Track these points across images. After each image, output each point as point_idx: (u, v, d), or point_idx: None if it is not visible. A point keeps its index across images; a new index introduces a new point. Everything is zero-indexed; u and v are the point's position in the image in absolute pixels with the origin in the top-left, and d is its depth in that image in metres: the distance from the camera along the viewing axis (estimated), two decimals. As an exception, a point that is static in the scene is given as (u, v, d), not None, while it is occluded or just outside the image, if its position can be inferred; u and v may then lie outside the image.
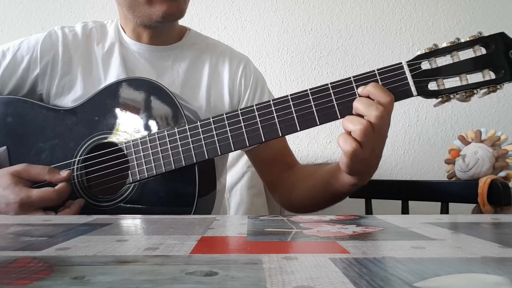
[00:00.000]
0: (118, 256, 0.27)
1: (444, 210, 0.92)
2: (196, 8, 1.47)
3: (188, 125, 0.63)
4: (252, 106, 0.61)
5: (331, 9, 1.46)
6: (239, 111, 0.62)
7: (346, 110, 0.59)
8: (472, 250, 0.29)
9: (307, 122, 0.60)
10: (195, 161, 0.62)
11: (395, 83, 0.58)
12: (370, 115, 0.55)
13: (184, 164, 0.62)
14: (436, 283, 0.21)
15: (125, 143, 0.66)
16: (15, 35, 1.47)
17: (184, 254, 0.28)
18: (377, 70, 0.59)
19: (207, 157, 0.62)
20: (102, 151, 0.67)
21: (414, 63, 0.58)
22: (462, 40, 0.58)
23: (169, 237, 0.34)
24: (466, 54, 0.58)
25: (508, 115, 1.43)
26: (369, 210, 1.03)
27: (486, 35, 0.58)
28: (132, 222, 0.46)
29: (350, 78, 0.59)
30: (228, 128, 0.62)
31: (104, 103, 0.69)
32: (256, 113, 0.61)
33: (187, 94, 0.78)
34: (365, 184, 0.65)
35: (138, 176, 0.65)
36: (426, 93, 0.58)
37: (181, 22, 0.84)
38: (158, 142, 0.64)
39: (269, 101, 0.61)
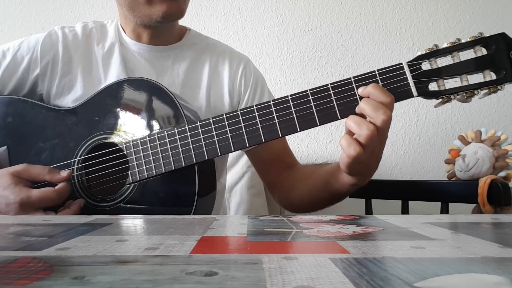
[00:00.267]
0: (118, 256, 0.27)
1: (444, 210, 0.92)
2: (196, 8, 1.47)
3: (188, 126, 0.63)
4: (252, 106, 0.61)
5: (331, 9, 1.46)
6: (239, 112, 0.62)
7: (346, 110, 0.59)
8: (472, 250, 0.29)
9: (307, 123, 0.60)
10: (195, 161, 0.62)
11: (395, 83, 0.58)
12: (377, 118, 0.55)
13: (184, 165, 0.62)
14: (436, 283, 0.21)
15: (125, 143, 0.66)
16: (15, 35, 1.47)
17: (184, 254, 0.28)
18: (377, 70, 0.59)
19: (207, 158, 0.62)
20: (102, 151, 0.67)
21: (414, 63, 0.58)
22: (463, 41, 0.58)
23: (169, 237, 0.34)
24: (467, 55, 0.58)
25: (508, 115, 1.43)
26: (369, 210, 1.03)
27: (487, 35, 0.57)
28: (132, 222, 0.46)
29: (350, 78, 0.59)
30: (228, 129, 0.62)
31: (104, 103, 0.69)
32: (256, 113, 0.61)
33: (187, 94, 0.78)
34: (365, 184, 0.65)
35: (138, 176, 0.65)
36: (426, 94, 0.58)
37: (181, 22, 0.84)
38: (158, 143, 0.64)
39: (269, 101, 0.61)
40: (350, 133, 0.58)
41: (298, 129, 0.60)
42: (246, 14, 1.48)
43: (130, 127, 0.67)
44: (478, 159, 0.91)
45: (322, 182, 0.71)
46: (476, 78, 0.58)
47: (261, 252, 0.28)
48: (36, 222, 0.46)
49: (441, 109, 1.42)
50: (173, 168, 0.63)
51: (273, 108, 0.61)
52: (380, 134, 0.56)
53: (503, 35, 0.57)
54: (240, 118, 0.61)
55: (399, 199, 0.98)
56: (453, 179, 0.98)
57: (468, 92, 0.58)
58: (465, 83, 0.58)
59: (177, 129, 0.63)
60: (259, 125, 0.61)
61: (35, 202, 0.61)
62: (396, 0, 1.45)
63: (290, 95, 0.60)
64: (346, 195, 0.71)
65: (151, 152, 0.64)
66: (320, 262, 0.25)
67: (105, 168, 0.67)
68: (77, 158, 0.68)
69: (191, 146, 0.62)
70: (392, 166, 1.44)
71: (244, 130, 0.61)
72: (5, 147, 0.71)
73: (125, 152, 0.66)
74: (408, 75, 0.58)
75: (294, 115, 0.60)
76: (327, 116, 0.59)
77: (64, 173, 0.65)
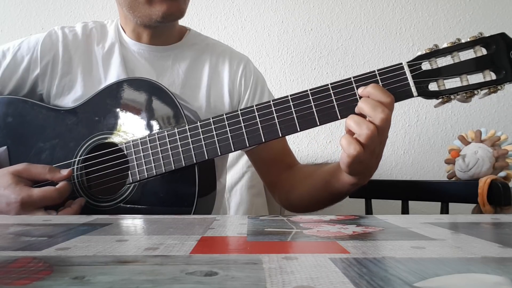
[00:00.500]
0: (118, 256, 0.27)
1: (444, 210, 0.92)
2: (196, 8, 1.47)
3: (188, 126, 0.63)
4: (252, 106, 0.61)
5: (331, 9, 1.46)
6: (239, 112, 0.62)
7: (346, 110, 0.59)
8: (472, 250, 0.29)
9: (307, 123, 0.60)
10: (195, 161, 0.62)
11: (395, 83, 0.58)
12: (376, 117, 0.55)
13: (184, 165, 0.62)
14: (436, 283, 0.21)
15: (125, 143, 0.66)
16: (15, 35, 1.47)
17: (184, 254, 0.28)
18: (377, 70, 0.59)
19: (207, 158, 0.62)
20: (102, 151, 0.67)
21: (414, 63, 0.58)
22: (463, 41, 0.58)
23: (169, 237, 0.34)
24: (467, 55, 0.58)
25: (508, 115, 1.43)
26: (369, 210, 1.03)
27: (487, 35, 0.57)
28: (132, 222, 0.46)
29: (350, 78, 0.59)
30: (228, 129, 0.62)
31: (104, 103, 0.69)
32: (256, 113, 0.61)
33: (187, 94, 0.78)
34: (365, 183, 0.65)
35: (138, 176, 0.65)
36: (426, 94, 0.58)
37: (181, 22, 0.84)
38: (158, 143, 0.64)
39: (269, 101, 0.61)
40: (350, 133, 0.58)
41: (298, 129, 0.60)
42: (246, 14, 1.48)
43: (130, 127, 0.67)
44: (478, 159, 0.91)
45: (322, 182, 0.71)
46: (476, 78, 0.58)
47: (261, 252, 0.28)
48: (36, 222, 0.46)
49: (441, 109, 1.42)
50: (173, 168, 0.63)
51: (273, 108, 0.61)
52: (380, 134, 0.56)
53: (503, 35, 0.57)
54: (240, 118, 0.61)
55: (399, 199, 0.98)
56: (453, 179, 0.98)
57: (468, 92, 0.58)
58: (465, 83, 0.58)
59: (177, 129, 0.63)
60: (259, 125, 0.61)
61: (36, 201, 0.61)
62: (396, 0, 1.45)
63: (290, 95, 0.60)
64: (346, 194, 0.71)
65: (151, 152, 0.64)
66: (320, 262, 0.25)
67: (105, 168, 0.67)
68: (77, 158, 0.68)
69: (191, 146, 0.63)
70: (392, 166, 1.44)
71: (244, 130, 0.61)
72: (5, 147, 0.71)
73: (125, 152, 0.66)
74: (408, 75, 0.58)
75: (294, 115, 0.60)
76: (327, 116, 0.59)
77: (65, 172, 0.65)
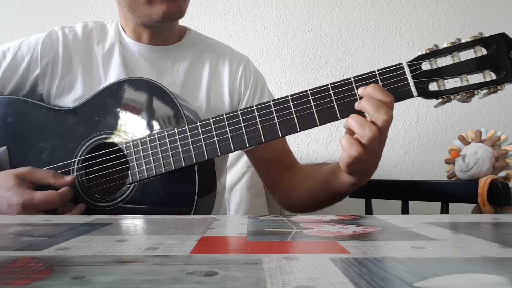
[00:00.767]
0: (118, 256, 0.27)
1: (444, 210, 0.92)
2: (196, 8, 1.47)
3: (188, 126, 0.63)
4: (252, 106, 0.61)
5: (331, 9, 1.46)
6: (239, 112, 0.62)
7: (346, 110, 0.59)
8: (472, 250, 0.29)
9: (307, 123, 0.60)
10: (195, 161, 0.62)
11: (395, 83, 0.58)
12: (379, 118, 0.54)
13: (184, 165, 0.62)
14: (436, 283, 0.21)
15: (125, 143, 0.66)
16: (15, 35, 1.47)
17: (184, 254, 0.28)
18: (377, 70, 0.59)
19: (207, 158, 0.62)
20: (102, 151, 0.67)
21: (414, 63, 0.58)
22: (463, 41, 0.58)
23: (169, 237, 0.34)
24: (467, 55, 0.58)
25: (508, 115, 1.43)
26: (369, 210, 1.03)
27: (487, 35, 0.57)
28: (132, 222, 0.46)
29: (350, 78, 0.59)
30: (228, 129, 0.62)
31: (104, 103, 0.69)
32: (256, 113, 0.61)
33: (187, 94, 0.78)
34: (364, 183, 0.65)
35: (138, 176, 0.65)
36: (426, 94, 0.58)
37: (181, 22, 0.84)
38: (158, 143, 0.64)
39: (269, 101, 0.61)
40: (350, 132, 0.58)
41: (298, 129, 0.60)
42: (246, 14, 1.48)
43: (130, 127, 0.67)
44: (478, 159, 0.91)
45: (322, 182, 0.71)
46: (476, 78, 0.58)
47: (261, 252, 0.28)
48: (36, 222, 0.46)
49: (441, 109, 1.42)
50: (173, 168, 0.63)
51: (273, 108, 0.61)
52: (380, 134, 0.56)
53: (503, 35, 0.57)
54: (240, 118, 0.61)
55: (399, 199, 0.98)
56: (453, 179, 0.98)
57: (468, 92, 0.58)
58: (465, 83, 0.58)
59: (177, 129, 0.63)
60: (259, 125, 0.61)
61: (37, 204, 0.61)
62: (396, 0, 1.45)
63: (290, 95, 0.60)
64: (346, 194, 0.71)
65: (151, 152, 0.64)
66: (320, 262, 0.25)
67: (105, 168, 0.67)
68: (77, 158, 0.68)
69: (191, 146, 0.62)
70: (392, 166, 1.44)
71: (244, 130, 0.61)
72: (5, 147, 0.71)
73: (125, 152, 0.66)
74: (408, 75, 0.58)
75: (294, 115, 0.60)
76: (327, 116, 0.59)
77: (69, 178, 0.65)
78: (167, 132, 0.64)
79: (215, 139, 0.62)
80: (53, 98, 0.77)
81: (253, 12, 1.47)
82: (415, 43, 1.44)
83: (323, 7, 1.47)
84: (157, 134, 0.64)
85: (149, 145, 0.64)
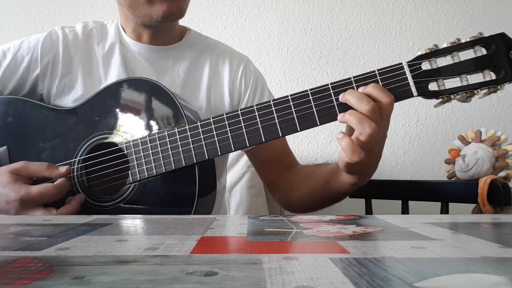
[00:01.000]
0: (118, 256, 0.27)
1: (444, 210, 0.92)
2: (196, 8, 1.47)
3: (188, 125, 0.63)
4: (252, 106, 0.61)
5: (331, 9, 1.46)
6: (239, 111, 0.62)
7: (347, 110, 0.59)
8: (472, 250, 0.29)
9: (307, 123, 0.60)
10: (195, 161, 0.62)
11: (395, 83, 0.58)
12: (364, 131, 0.54)
13: (184, 164, 0.62)
14: (436, 283, 0.21)
15: (125, 143, 0.66)
16: (15, 35, 1.47)
17: (184, 254, 0.28)
18: (377, 70, 0.59)
19: (207, 157, 0.62)
20: (102, 151, 0.67)
21: (414, 63, 0.58)
22: (463, 41, 0.58)
23: (169, 237, 0.34)
24: (467, 55, 0.58)
25: (508, 115, 1.43)
26: (369, 210, 1.03)
27: (487, 35, 0.57)
28: (132, 222, 0.46)
29: (350, 78, 0.59)
30: (228, 128, 0.62)
31: (104, 103, 0.69)
32: (256, 113, 0.61)
33: (187, 94, 0.79)
34: (364, 183, 0.65)
35: (138, 176, 0.65)
36: (426, 94, 0.58)
37: (181, 22, 0.84)
38: (158, 142, 0.64)
39: (269, 101, 0.61)
40: (349, 129, 0.57)
41: (298, 129, 0.60)
42: (246, 14, 1.48)
43: (130, 127, 0.67)
44: (478, 159, 0.91)
45: (322, 182, 0.71)
46: (476, 78, 0.58)
47: (261, 252, 0.28)
48: (36, 222, 0.46)
49: (441, 109, 1.42)
50: (174, 168, 0.63)
51: (273, 108, 0.61)
52: (380, 131, 0.56)
53: (502, 35, 0.57)
54: (241, 118, 0.61)
55: (399, 199, 0.98)
56: (453, 179, 0.98)
57: (468, 92, 0.58)
58: (465, 83, 0.58)
59: (177, 129, 0.63)
60: (260, 125, 0.61)
61: (35, 198, 0.61)
62: (396, 0, 1.45)
63: (290, 95, 0.60)
64: (346, 195, 0.71)
65: (151, 152, 0.64)
66: (320, 262, 0.25)
67: (105, 168, 0.67)
68: (77, 158, 0.68)
69: (191, 146, 0.63)
70: (392, 166, 1.44)
71: (244, 130, 0.61)
72: (5, 147, 0.71)
73: (125, 152, 0.66)
74: (408, 75, 0.58)
75: (295, 115, 0.60)
76: (327, 116, 0.59)
77: (63, 168, 0.65)
78: (167, 132, 0.64)
79: (216, 139, 0.62)
80: (53, 98, 0.77)
81: (253, 12, 1.47)
82: (415, 43, 1.44)
83: (323, 7, 1.47)
84: (158, 134, 0.64)
85: (149, 145, 0.64)
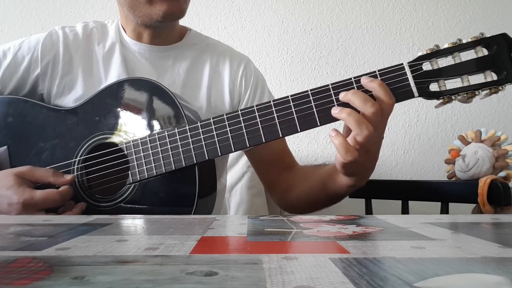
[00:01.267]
0: (118, 256, 0.27)
1: (444, 210, 0.92)
2: (196, 8, 1.47)
3: (188, 126, 0.63)
4: (253, 106, 0.61)
5: (331, 9, 1.46)
6: (240, 112, 0.62)
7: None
8: (472, 250, 0.29)
9: (307, 123, 0.60)
10: (195, 161, 0.62)
11: (396, 84, 0.58)
12: (361, 133, 0.55)
13: (184, 165, 0.62)
14: (436, 283, 0.21)
15: (125, 143, 0.66)
16: (15, 35, 1.47)
17: (184, 254, 0.28)
18: (378, 70, 0.59)
19: (207, 158, 0.62)
20: (102, 151, 0.67)
21: (415, 64, 0.58)
22: (464, 41, 0.58)
23: (169, 237, 0.34)
24: (468, 55, 0.58)
25: (508, 115, 1.43)
26: (369, 210, 1.03)
27: (488, 36, 0.57)
28: (132, 222, 0.46)
29: (351, 79, 0.59)
30: (228, 129, 0.62)
31: (104, 103, 0.69)
32: (257, 113, 0.61)
33: (188, 94, 0.79)
34: (362, 185, 0.65)
35: (138, 176, 0.65)
36: (427, 94, 0.58)
37: (181, 22, 0.84)
38: (158, 143, 0.64)
39: (270, 101, 0.61)
40: (347, 130, 0.57)
41: (299, 130, 0.60)
42: (246, 14, 1.48)
43: (131, 127, 0.67)
44: (478, 159, 0.91)
45: (320, 183, 0.71)
46: (477, 79, 0.58)
47: (261, 252, 0.28)
48: (36, 222, 0.46)
49: (441, 109, 1.42)
50: (174, 168, 0.63)
51: (273, 109, 0.60)
52: (376, 131, 0.56)
53: (504, 36, 0.57)
54: (241, 118, 0.61)
55: (399, 199, 0.98)
56: (453, 179, 0.98)
57: (469, 92, 0.58)
58: (466, 84, 0.58)
59: (177, 129, 0.63)
60: (260, 125, 0.61)
61: (38, 203, 0.61)
62: (396, 0, 1.45)
63: (291, 95, 0.60)
64: (344, 196, 0.71)
65: (152, 152, 0.64)
66: (320, 262, 0.25)
67: (106, 168, 0.67)
68: (78, 158, 0.68)
69: (191, 146, 0.62)
70: (392, 166, 1.43)
71: (244, 130, 0.61)
72: (6, 147, 0.71)
73: (125, 152, 0.66)
74: (409, 76, 0.58)
75: (295, 115, 0.60)
76: (328, 117, 0.59)
77: (68, 176, 0.65)
78: (167, 132, 0.64)
79: (216, 139, 0.62)
80: (53, 98, 0.77)
81: (253, 12, 1.47)
82: (415, 43, 1.44)
83: (323, 7, 1.47)
84: (158, 134, 0.64)
85: (149, 145, 0.64)
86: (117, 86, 0.69)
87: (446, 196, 0.92)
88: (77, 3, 1.50)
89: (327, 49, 1.46)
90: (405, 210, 0.97)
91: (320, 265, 0.25)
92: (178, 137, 0.63)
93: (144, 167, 0.64)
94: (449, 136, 1.42)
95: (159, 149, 0.64)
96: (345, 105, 0.58)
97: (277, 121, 0.60)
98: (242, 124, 0.61)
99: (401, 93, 0.58)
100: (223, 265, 0.25)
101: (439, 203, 0.93)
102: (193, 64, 0.82)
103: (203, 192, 0.65)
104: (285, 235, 0.36)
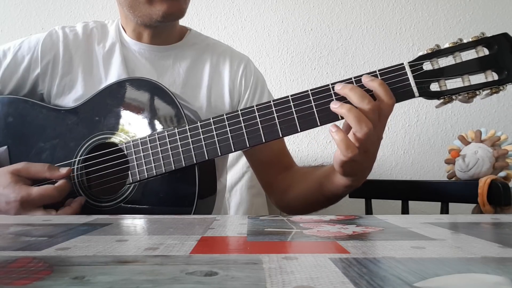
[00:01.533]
0: (118, 256, 0.27)
1: (444, 210, 0.92)
2: (196, 8, 1.47)
3: (188, 126, 0.63)
4: (253, 106, 0.61)
5: (331, 9, 1.46)
6: (240, 112, 0.62)
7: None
8: (472, 250, 0.29)
9: (307, 123, 0.60)
10: (195, 161, 0.62)
11: (396, 84, 0.58)
12: (360, 130, 0.55)
13: (184, 165, 0.62)
14: (436, 283, 0.21)
15: (125, 143, 0.66)
16: (15, 35, 1.47)
17: (184, 254, 0.28)
18: (379, 70, 0.59)
19: (207, 158, 0.62)
20: (102, 151, 0.67)
21: (415, 63, 0.58)
22: (465, 41, 0.57)
23: (169, 237, 0.34)
24: (469, 55, 0.58)
25: (508, 115, 1.43)
26: (369, 210, 1.03)
27: (489, 35, 0.57)
28: (132, 222, 0.46)
29: (351, 78, 0.59)
30: (228, 129, 0.62)
31: (104, 103, 0.69)
32: (257, 113, 0.61)
33: (188, 94, 0.78)
34: (359, 186, 0.65)
35: (138, 176, 0.65)
36: (428, 94, 0.58)
37: (181, 22, 0.84)
38: (158, 143, 0.64)
39: (270, 101, 0.61)
40: (347, 127, 0.57)
41: (299, 130, 0.60)
42: (246, 14, 1.48)
43: (131, 127, 0.67)
44: (478, 159, 0.91)
45: (317, 184, 0.71)
46: (478, 79, 0.57)
47: (261, 252, 0.28)
48: (36, 222, 0.46)
49: (441, 109, 1.42)
50: (173, 168, 0.63)
51: (273, 108, 0.60)
52: (375, 132, 0.56)
53: (505, 35, 0.57)
54: (241, 118, 0.61)
55: (399, 199, 0.98)
56: (453, 179, 0.98)
57: (469, 92, 0.57)
58: (467, 84, 0.57)
59: (177, 129, 0.63)
60: (260, 125, 0.61)
61: (35, 200, 0.61)
62: (396, 0, 1.45)
63: (291, 95, 0.60)
64: (341, 197, 0.71)
65: (151, 152, 0.64)
66: (320, 262, 0.25)
67: (106, 168, 0.67)
68: (78, 158, 0.68)
69: (191, 146, 0.62)
70: (392, 166, 1.43)
71: (244, 130, 0.61)
72: (6, 147, 0.71)
73: (125, 152, 0.66)
74: (410, 75, 0.58)
75: (295, 115, 0.60)
76: (328, 117, 0.59)
77: (64, 170, 0.65)
78: (167, 132, 0.64)
79: (216, 139, 0.62)
80: (53, 98, 0.77)
81: (253, 12, 1.47)
82: (415, 43, 1.44)
83: (323, 7, 1.47)
84: (158, 134, 0.64)
85: (149, 145, 0.64)
86: (117, 86, 0.69)
87: (446, 196, 0.92)
88: (77, 3, 1.50)
89: (327, 49, 1.46)
90: (405, 210, 0.97)
91: (320, 265, 0.25)
92: (178, 137, 0.63)
93: (144, 167, 0.64)
94: (449, 136, 1.42)
95: (159, 149, 0.64)
96: (343, 100, 0.58)
97: (277, 121, 0.60)
98: (242, 124, 0.61)
99: (401, 93, 0.58)
100: (223, 265, 0.25)
101: (439, 203, 0.93)
102: (193, 64, 0.82)
103: (203, 192, 0.65)
104: (285, 235, 0.36)
